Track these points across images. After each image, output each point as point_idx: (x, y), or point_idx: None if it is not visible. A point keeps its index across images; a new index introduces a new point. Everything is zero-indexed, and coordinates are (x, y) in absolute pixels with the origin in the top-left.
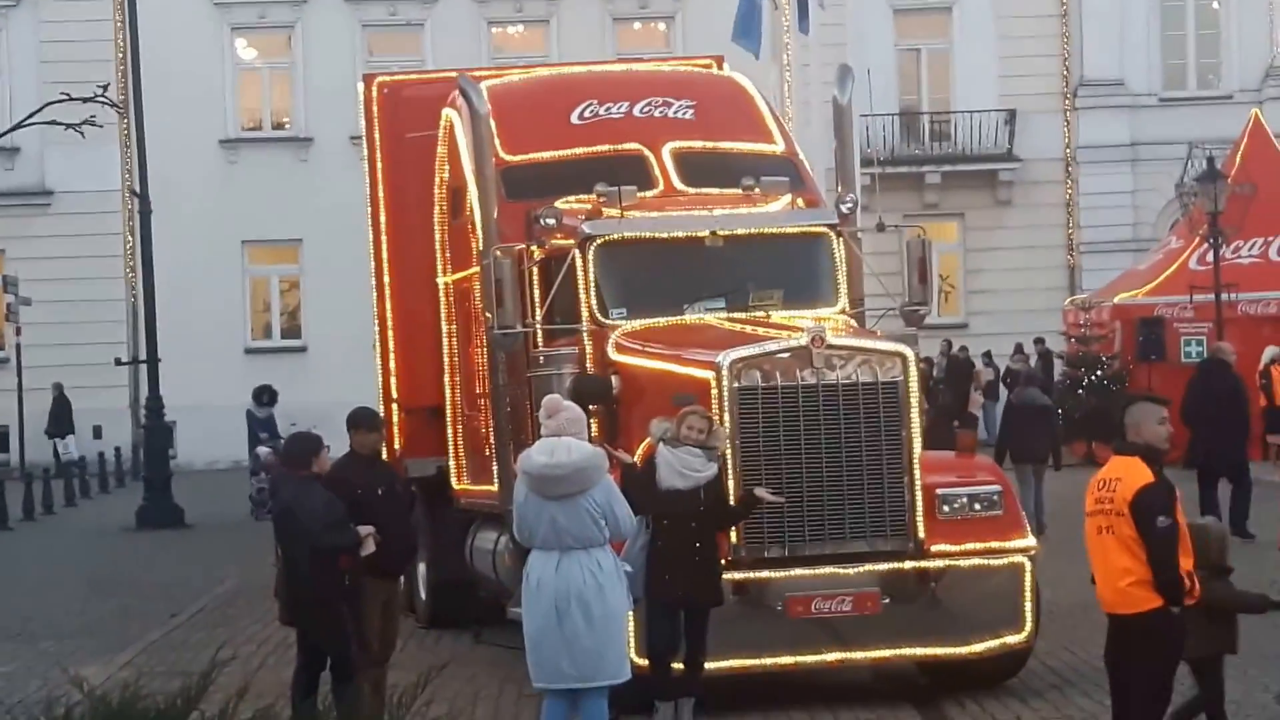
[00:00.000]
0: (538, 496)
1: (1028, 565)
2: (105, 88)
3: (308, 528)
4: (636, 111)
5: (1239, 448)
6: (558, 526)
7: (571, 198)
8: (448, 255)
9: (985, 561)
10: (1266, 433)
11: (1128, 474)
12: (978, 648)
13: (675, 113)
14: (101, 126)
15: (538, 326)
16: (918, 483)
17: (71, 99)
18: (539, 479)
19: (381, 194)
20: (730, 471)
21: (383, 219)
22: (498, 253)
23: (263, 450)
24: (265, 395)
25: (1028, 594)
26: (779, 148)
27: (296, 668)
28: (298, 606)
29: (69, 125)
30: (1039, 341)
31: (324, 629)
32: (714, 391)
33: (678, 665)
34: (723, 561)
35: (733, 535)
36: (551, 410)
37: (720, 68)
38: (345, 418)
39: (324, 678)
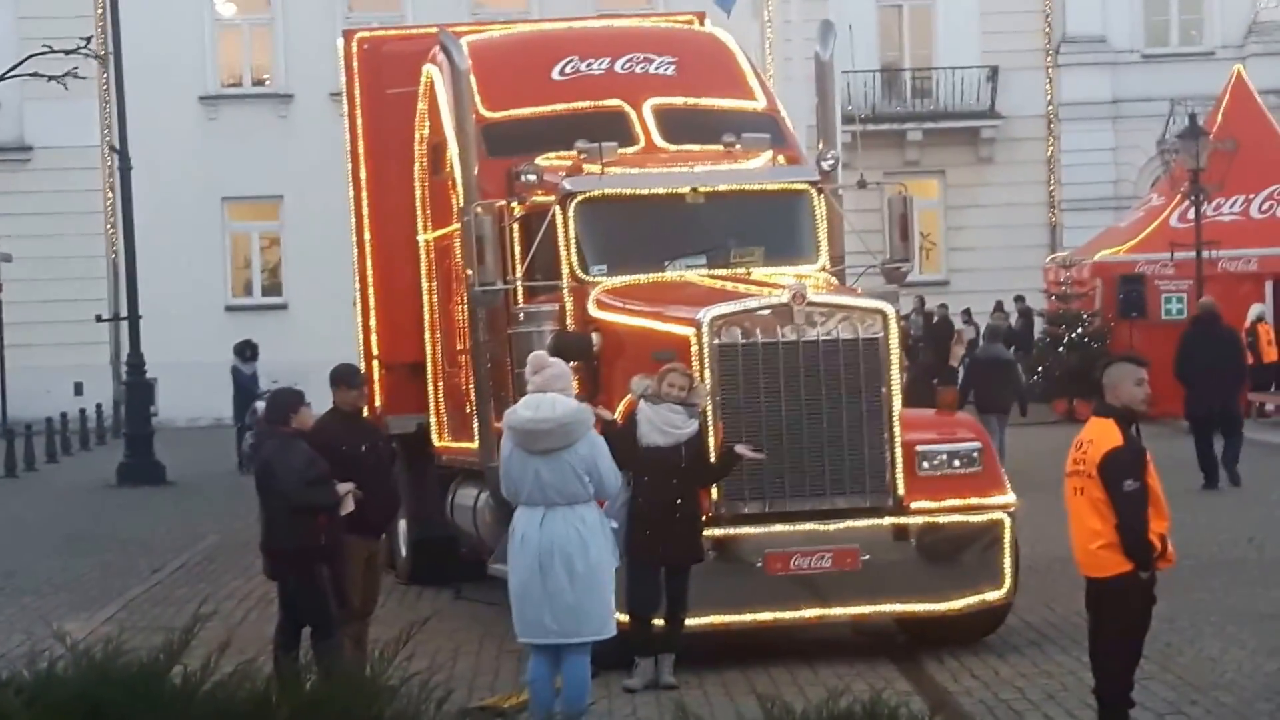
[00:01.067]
0: (522, 451)
1: (1007, 522)
2: (88, 40)
3: (286, 485)
4: (618, 68)
5: (1234, 400)
6: (542, 482)
7: (552, 154)
8: (428, 212)
9: (964, 518)
10: (1252, 390)
11: (1099, 436)
12: (957, 604)
13: (656, 69)
14: (85, 78)
15: (518, 283)
16: (898, 439)
17: (54, 51)
18: (524, 433)
19: (362, 150)
20: (711, 428)
21: (363, 176)
22: (478, 209)
23: (259, 405)
24: (248, 350)
25: (1007, 550)
26: (760, 104)
27: (278, 623)
28: (275, 562)
29: (52, 77)
30: (1019, 299)
31: (300, 586)
32: (694, 348)
33: (658, 621)
34: (704, 518)
35: (713, 491)
36: (537, 366)
37: (701, 24)
38: (327, 375)
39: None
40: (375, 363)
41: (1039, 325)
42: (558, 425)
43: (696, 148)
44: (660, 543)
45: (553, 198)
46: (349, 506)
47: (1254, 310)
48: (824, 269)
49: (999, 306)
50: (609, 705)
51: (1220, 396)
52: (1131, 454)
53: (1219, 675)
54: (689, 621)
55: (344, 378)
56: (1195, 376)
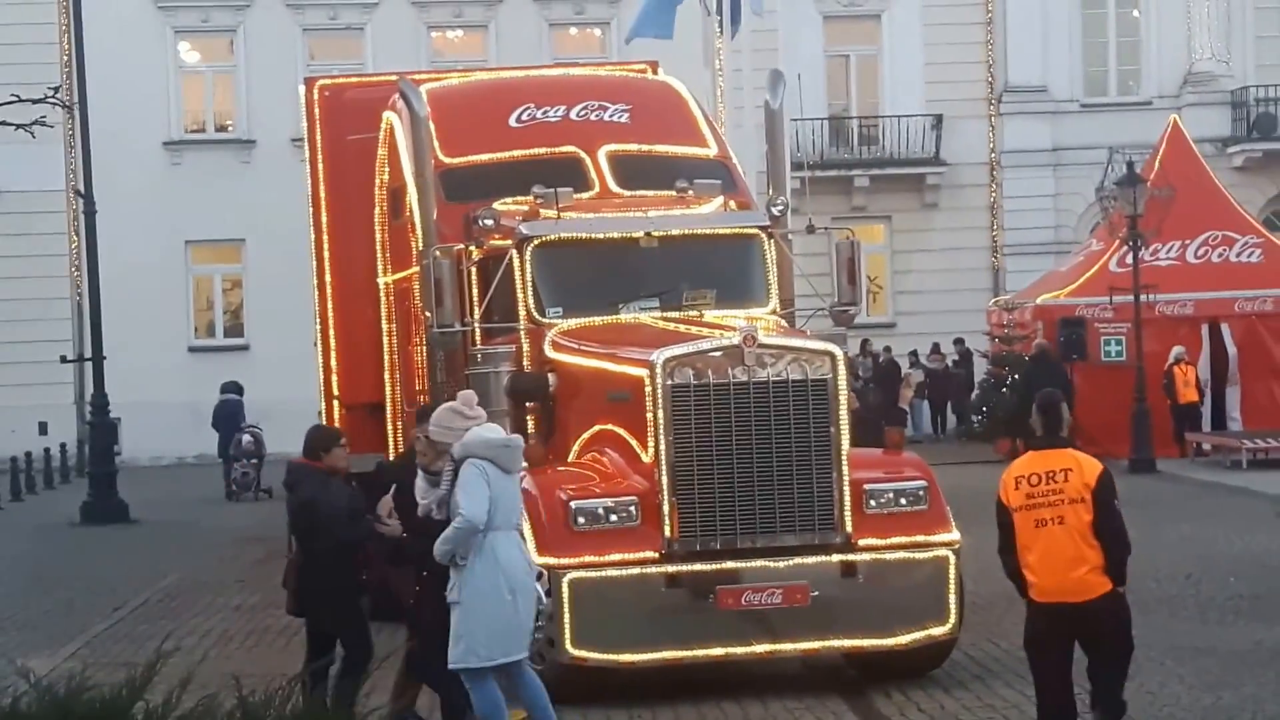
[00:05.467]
0: (500, 472)
1: (952, 559)
2: (56, 89)
3: (335, 523)
4: (573, 115)
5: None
6: (509, 504)
7: (509, 199)
8: (388, 255)
9: (911, 555)
10: (1184, 430)
11: (1078, 464)
12: (904, 639)
13: (611, 116)
14: (52, 127)
15: (476, 325)
16: (846, 478)
17: (22, 100)
18: (504, 451)
19: (323, 195)
20: (664, 467)
21: (324, 219)
22: (437, 253)
23: (245, 438)
24: (234, 388)
25: (952, 586)
26: (712, 151)
27: (306, 659)
28: (310, 598)
29: (19, 125)
30: (959, 341)
31: (342, 621)
32: (648, 389)
33: None
34: None
35: (666, 528)
36: (472, 402)
37: (655, 73)
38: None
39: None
40: (336, 402)
41: (982, 367)
42: (519, 446)
43: (650, 193)
44: None
45: (510, 242)
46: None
47: (1174, 352)
48: (774, 312)
49: (935, 349)
50: None
51: None
52: (1111, 476)
53: (1159, 709)
54: (642, 656)
55: (423, 417)
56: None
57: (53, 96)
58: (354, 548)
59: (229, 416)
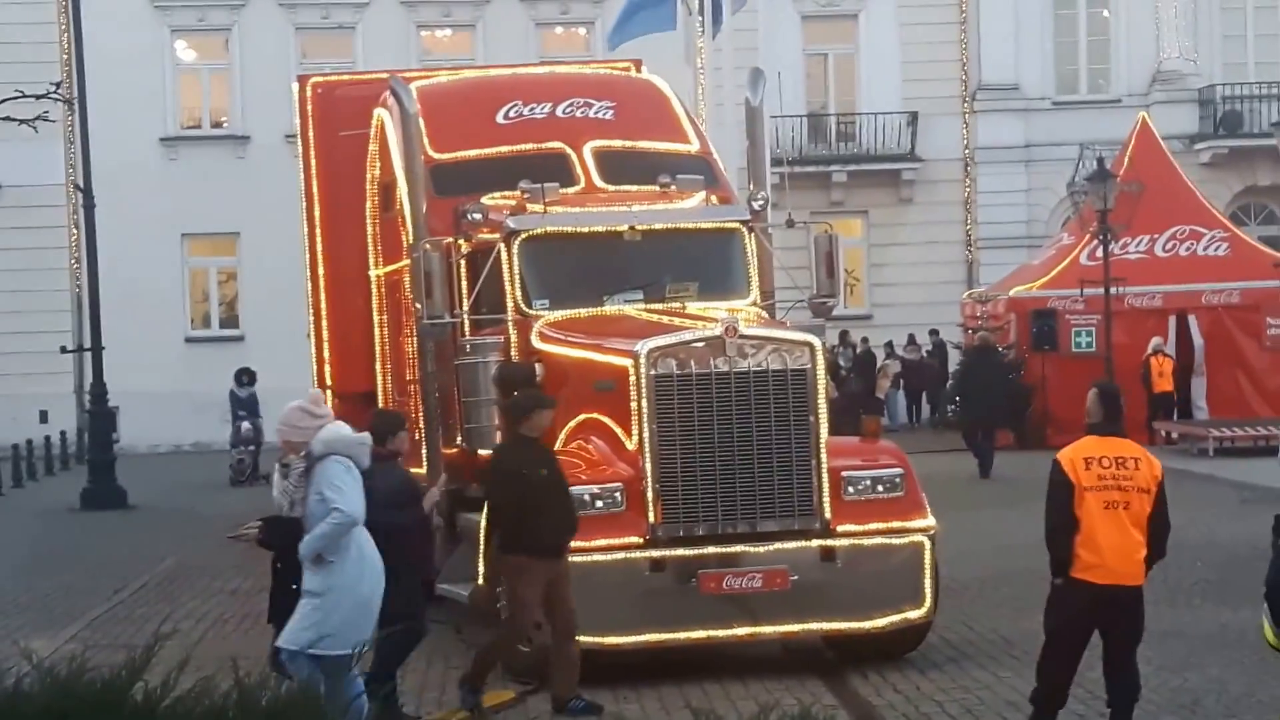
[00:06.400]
0: (358, 470)
1: (928, 544)
2: (58, 85)
3: (375, 506)
4: (559, 112)
5: (998, 416)
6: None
7: (497, 194)
8: (379, 248)
9: (887, 540)
10: (1150, 420)
11: (1147, 456)
12: (880, 622)
13: (596, 113)
14: (54, 122)
15: (465, 316)
16: (824, 465)
17: (25, 96)
18: (362, 448)
19: (315, 189)
20: (648, 455)
21: (317, 213)
22: (427, 246)
23: (244, 425)
24: (245, 376)
25: (927, 571)
26: (694, 147)
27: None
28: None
29: (23, 121)
30: (934, 333)
31: (394, 598)
32: (632, 378)
33: None
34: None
35: (650, 515)
36: (320, 401)
37: (638, 71)
38: (511, 402)
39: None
40: (329, 392)
41: (956, 358)
42: (369, 444)
43: (634, 188)
44: None
45: (498, 235)
46: (432, 514)
47: (1152, 343)
48: (755, 303)
49: (911, 339)
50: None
51: (987, 408)
52: None
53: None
54: (625, 639)
55: (535, 403)
56: (971, 392)
57: (55, 92)
58: (393, 532)
59: (232, 407)
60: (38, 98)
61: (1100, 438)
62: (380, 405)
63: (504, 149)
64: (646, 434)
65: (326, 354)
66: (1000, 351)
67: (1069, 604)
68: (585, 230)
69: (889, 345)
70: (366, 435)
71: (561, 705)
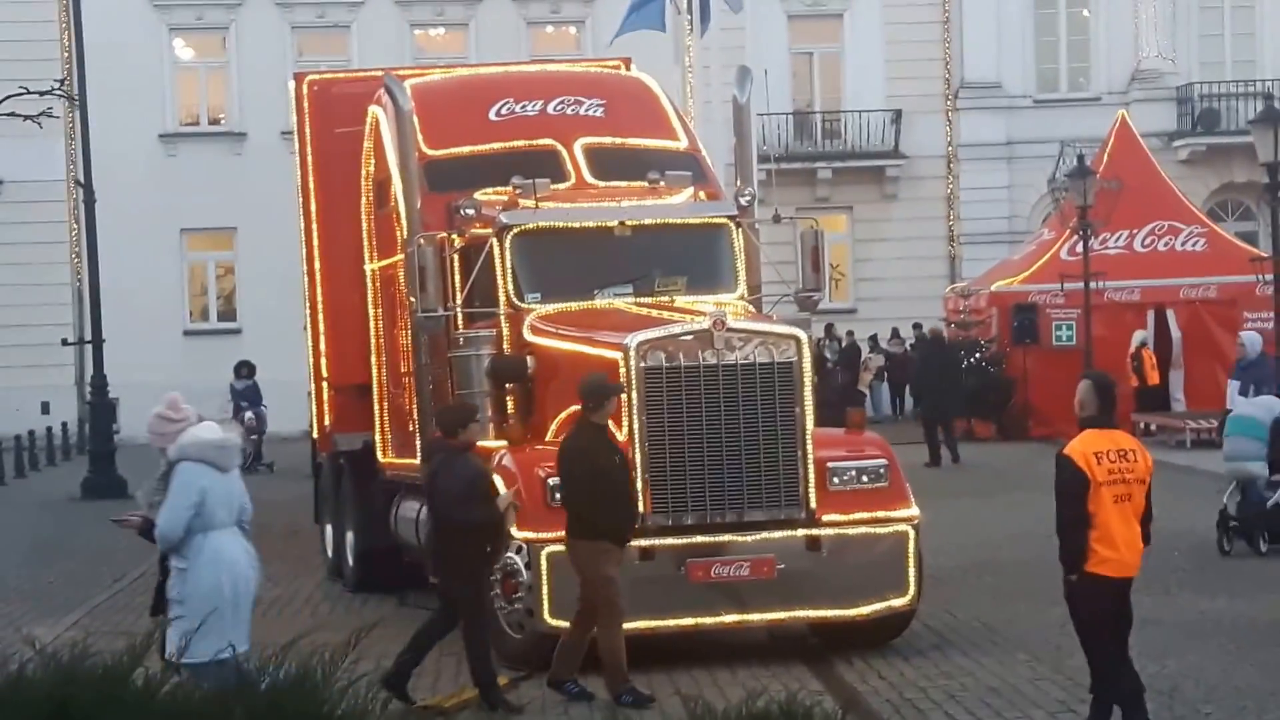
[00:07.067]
0: (217, 472)
1: (911, 533)
2: (61, 82)
3: (442, 498)
4: (550, 109)
5: (954, 406)
6: (230, 502)
7: (489, 189)
8: (374, 243)
9: (872, 530)
10: (1134, 411)
11: (1139, 447)
12: (865, 610)
13: (586, 111)
14: (55, 118)
15: (458, 310)
16: (810, 456)
17: (30, 93)
18: (219, 451)
19: (311, 185)
20: (637, 446)
21: (313, 209)
22: (421, 241)
23: (245, 416)
24: (244, 369)
25: (911, 560)
26: (682, 144)
27: (432, 620)
28: (437, 565)
29: (27, 117)
30: (917, 326)
31: (457, 588)
32: (622, 370)
33: None
34: None
35: (640, 504)
36: (178, 404)
37: (628, 69)
38: (579, 388)
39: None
40: (325, 384)
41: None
42: (237, 446)
43: (624, 184)
44: None
45: (490, 230)
46: (511, 519)
47: (1137, 336)
48: (742, 297)
49: (895, 333)
50: (541, 704)
51: (941, 398)
52: None
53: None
54: None
55: (603, 391)
56: (925, 384)
57: (59, 89)
58: (474, 528)
59: (250, 396)
60: (41, 94)
61: (1100, 431)
62: (376, 397)
63: (496, 145)
64: (636, 425)
65: (323, 347)
66: (950, 343)
67: (1095, 602)
68: (576, 225)
69: (873, 339)
70: (229, 438)
71: (558, 685)
